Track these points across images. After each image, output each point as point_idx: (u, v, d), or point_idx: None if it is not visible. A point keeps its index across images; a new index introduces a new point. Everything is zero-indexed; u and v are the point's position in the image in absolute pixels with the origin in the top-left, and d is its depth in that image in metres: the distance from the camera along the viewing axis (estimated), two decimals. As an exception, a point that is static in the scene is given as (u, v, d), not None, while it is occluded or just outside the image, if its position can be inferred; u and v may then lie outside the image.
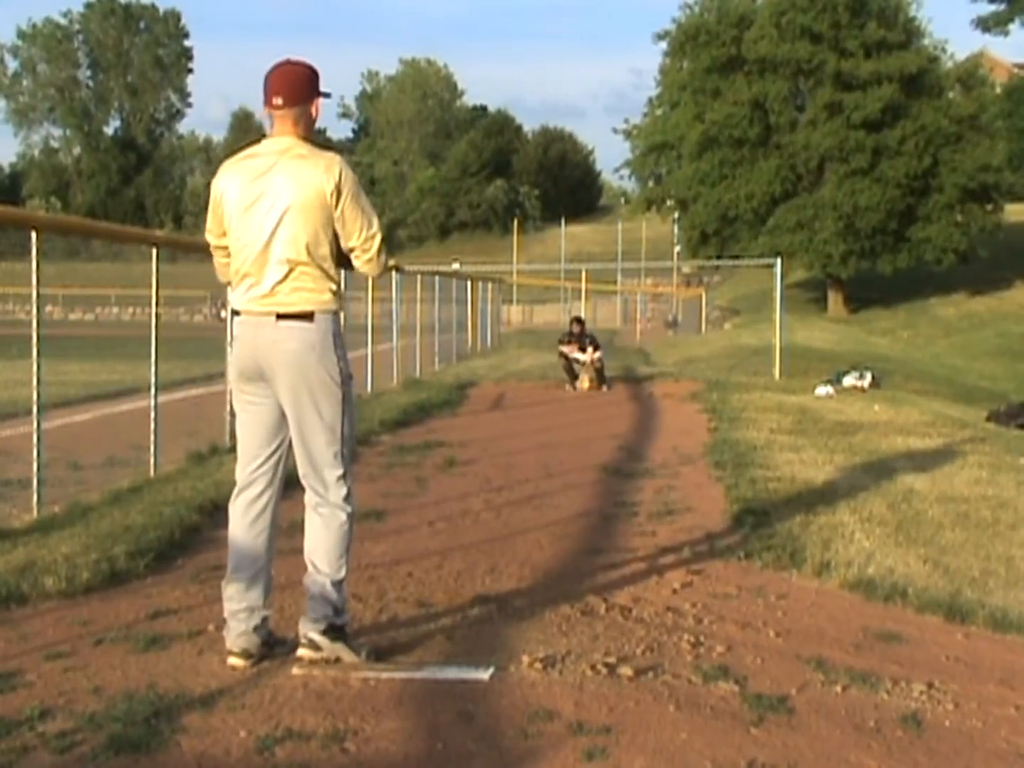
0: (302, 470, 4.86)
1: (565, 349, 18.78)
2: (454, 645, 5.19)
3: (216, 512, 7.99)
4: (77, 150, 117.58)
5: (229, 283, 4.95)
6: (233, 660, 4.82)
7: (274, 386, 4.78)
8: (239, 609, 4.86)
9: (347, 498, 4.85)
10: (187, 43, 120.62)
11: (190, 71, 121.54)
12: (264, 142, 4.85)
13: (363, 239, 4.76)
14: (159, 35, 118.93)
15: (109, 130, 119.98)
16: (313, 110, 4.81)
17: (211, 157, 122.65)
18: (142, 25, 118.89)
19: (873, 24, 53.30)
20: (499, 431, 13.54)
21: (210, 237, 5.04)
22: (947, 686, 4.69)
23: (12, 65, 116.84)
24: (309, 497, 4.88)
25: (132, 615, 5.64)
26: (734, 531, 7.56)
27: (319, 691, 4.55)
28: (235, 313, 4.86)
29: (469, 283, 29.76)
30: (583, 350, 18.61)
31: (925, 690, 4.63)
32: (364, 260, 4.81)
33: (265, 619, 4.92)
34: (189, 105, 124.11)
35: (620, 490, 9.31)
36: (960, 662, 5.04)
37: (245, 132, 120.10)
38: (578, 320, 19.86)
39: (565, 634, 5.33)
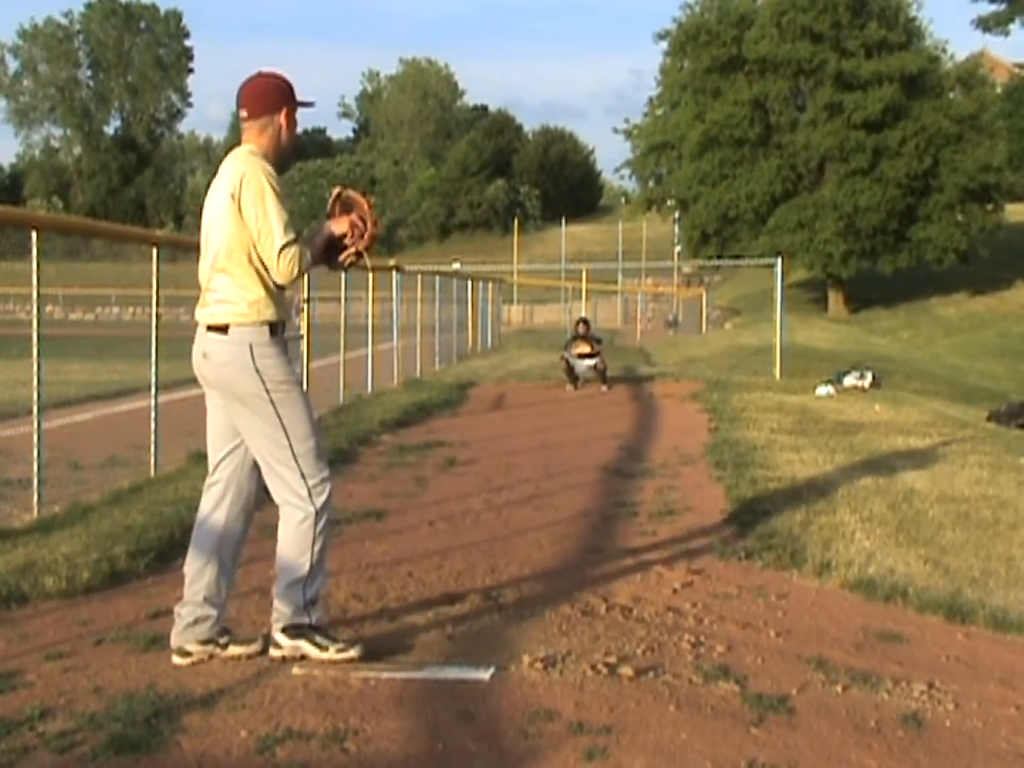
0: (263, 471, 4.92)
1: (569, 355, 18.80)
2: (454, 645, 5.19)
3: (216, 512, 8.00)
4: (78, 150, 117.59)
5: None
6: (175, 658, 4.88)
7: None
8: (187, 600, 4.93)
9: (308, 497, 4.85)
10: (188, 43, 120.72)
11: (191, 71, 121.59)
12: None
13: (262, 245, 4.71)
14: (160, 35, 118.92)
15: (110, 130, 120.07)
16: (281, 121, 4.83)
17: (211, 157, 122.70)
18: (143, 25, 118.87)
19: (874, 24, 53.34)
20: (499, 431, 13.53)
21: None
22: (947, 686, 4.69)
23: (13, 65, 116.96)
24: (275, 499, 4.94)
25: (132, 615, 5.64)
26: (734, 531, 7.56)
27: (319, 691, 4.55)
28: None
29: (469, 283, 29.75)
30: (592, 352, 18.65)
31: (925, 690, 4.63)
32: (270, 267, 4.75)
33: (208, 617, 4.93)
34: (190, 105, 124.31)
35: (620, 490, 9.31)
36: (960, 662, 5.04)
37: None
38: (584, 321, 19.91)
39: (565, 634, 5.33)
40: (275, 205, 4.68)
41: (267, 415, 4.79)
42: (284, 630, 4.91)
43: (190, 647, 4.89)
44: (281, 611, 4.92)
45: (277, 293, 4.81)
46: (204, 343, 4.83)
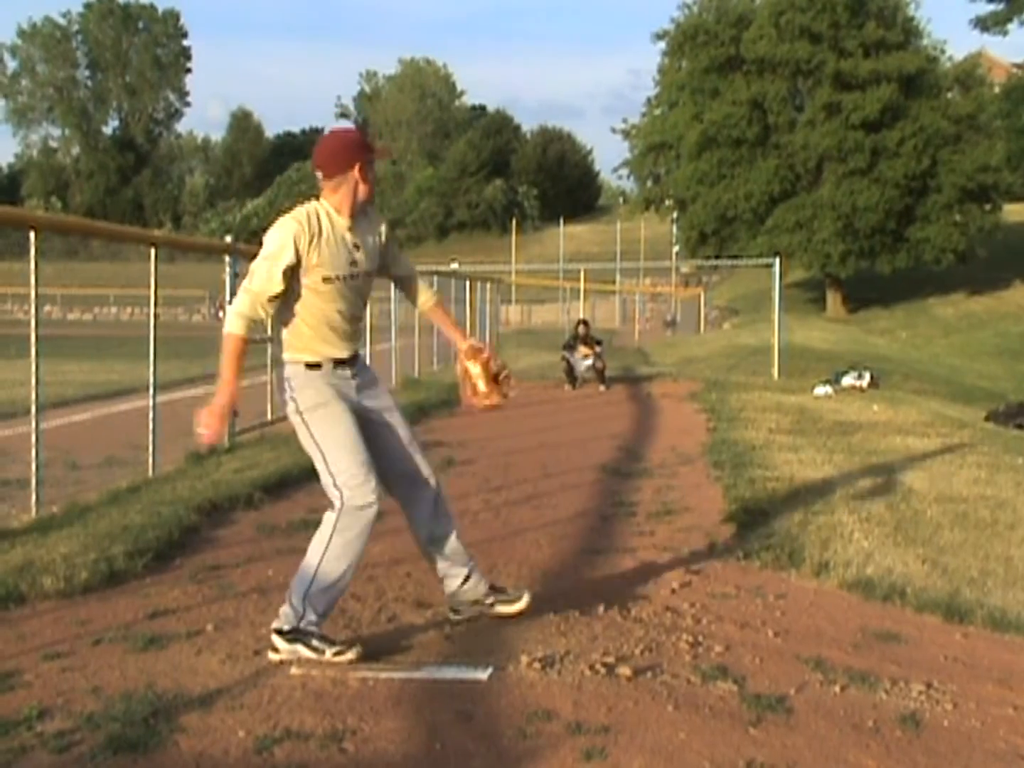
0: None
1: (569, 355, 18.85)
2: (452, 645, 5.19)
3: (215, 512, 8.01)
4: (76, 150, 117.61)
5: None
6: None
7: None
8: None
9: (333, 506, 4.98)
10: (186, 43, 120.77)
11: (189, 71, 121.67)
12: None
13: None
14: (158, 35, 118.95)
15: (108, 130, 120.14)
16: (356, 176, 4.97)
17: (209, 157, 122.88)
18: (141, 25, 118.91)
19: (872, 24, 53.35)
20: (497, 431, 13.52)
21: None
22: (946, 686, 4.69)
23: (11, 65, 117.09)
24: None
25: (130, 615, 5.64)
26: (733, 531, 7.56)
27: (317, 691, 4.55)
28: None
29: (467, 283, 29.67)
30: (593, 352, 18.71)
31: (924, 690, 4.63)
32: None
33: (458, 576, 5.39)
34: (188, 105, 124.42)
35: (619, 490, 9.31)
36: (958, 662, 5.04)
37: (243, 132, 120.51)
38: (584, 322, 19.96)
39: (563, 634, 5.33)
40: (266, 260, 4.90)
41: (301, 432, 5.08)
42: (280, 632, 4.93)
43: (459, 608, 5.43)
44: (283, 611, 4.95)
45: (326, 332, 5.03)
46: None
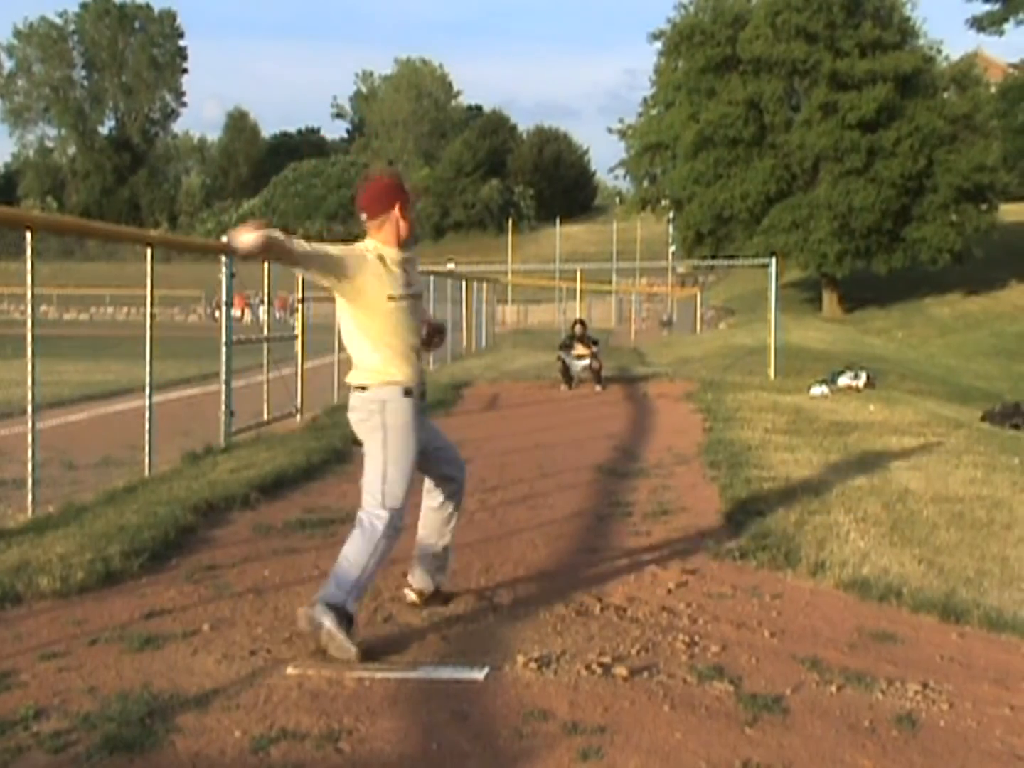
0: None
1: (566, 355, 18.88)
2: (449, 645, 5.19)
3: (211, 512, 8.00)
4: (72, 150, 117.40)
5: None
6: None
7: None
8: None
9: (367, 510, 5.44)
10: (182, 43, 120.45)
11: (185, 71, 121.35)
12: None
13: None
14: (154, 35, 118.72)
15: (104, 130, 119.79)
16: (396, 215, 5.51)
17: (205, 157, 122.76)
18: (137, 25, 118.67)
19: (868, 24, 53.31)
20: (494, 431, 13.53)
21: None
22: (942, 686, 4.70)
23: (7, 65, 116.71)
24: None
25: (127, 615, 5.64)
26: (729, 531, 7.56)
27: (313, 691, 4.55)
28: None
29: (464, 283, 29.75)
30: (589, 352, 18.75)
31: (920, 690, 4.63)
32: None
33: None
34: (184, 105, 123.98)
35: (615, 490, 9.31)
36: (955, 662, 5.04)
37: (239, 132, 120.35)
38: (580, 322, 19.97)
39: (560, 634, 5.33)
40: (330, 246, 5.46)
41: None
42: (327, 604, 5.13)
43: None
44: (329, 592, 5.20)
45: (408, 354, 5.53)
46: None
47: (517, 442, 12.38)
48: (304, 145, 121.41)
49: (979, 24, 77.57)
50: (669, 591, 6.14)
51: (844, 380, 19.81)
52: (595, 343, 19.18)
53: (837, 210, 52.25)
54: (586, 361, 18.74)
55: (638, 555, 6.95)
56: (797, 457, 10.62)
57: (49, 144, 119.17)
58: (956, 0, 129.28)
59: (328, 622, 5.04)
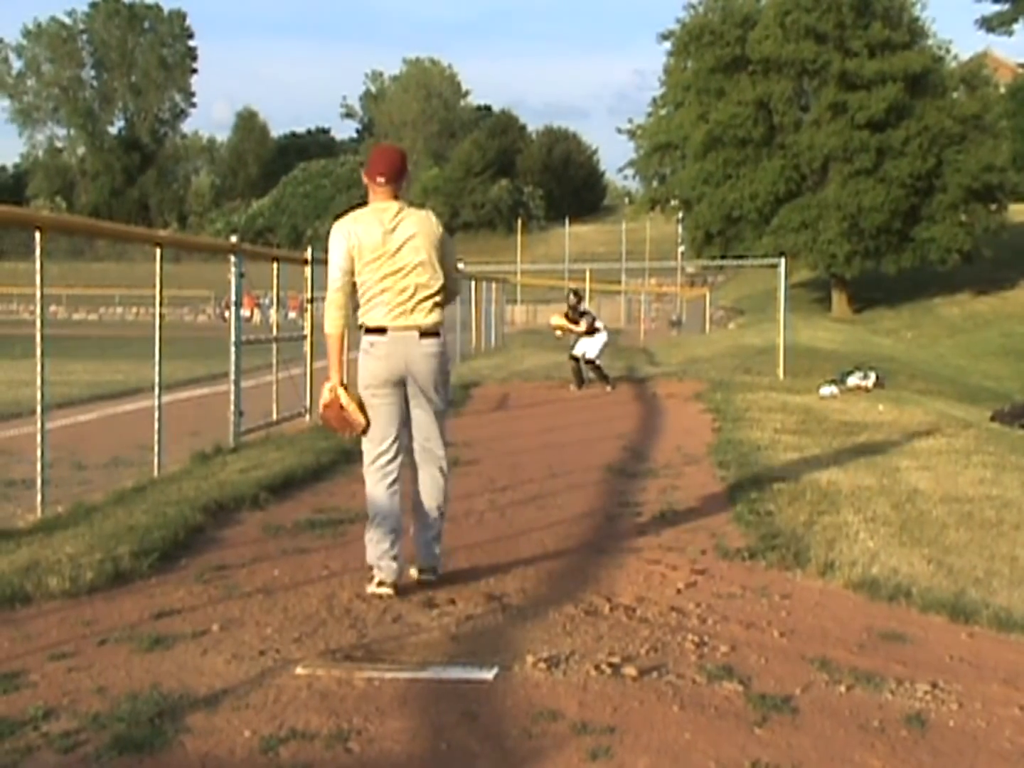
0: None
1: (562, 322, 18.90)
2: (458, 645, 5.19)
3: (220, 512, 8.01)
4: (81, 150, 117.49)
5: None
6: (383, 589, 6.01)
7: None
8: (383, 551, 6.03)
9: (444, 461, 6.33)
10: (191, 43, 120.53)
11: (194, 71, 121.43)
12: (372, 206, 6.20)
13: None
14: (163, 35, 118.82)
15: (113, 130, 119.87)
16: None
17: (215, 157, 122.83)
18: (146, 25, 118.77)
19: (877, 24, 53.24)
20: (503, 431, 13.53)
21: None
22: (951, 686, 4.69)
23: (17, 65, 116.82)
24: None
25: (136, 615, 5.64)
26: (738, 531, 7.56)
27: (323, 691, 4.55)
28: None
29: (473, 283, 29.73)
30: (576, 323, 18.75)
31: (929, 690, 4.62)
32: None
33: (396, 557, 6.07)
34: (193, 105, 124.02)
35: (624, 490, 9.31)
36: (964, 662, 5.04)
37: (249, 132, 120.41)
38: (574, 292, 19.87)
39: (569, 634, 5.33)
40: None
41: None
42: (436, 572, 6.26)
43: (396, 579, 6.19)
44: (437, 559, 6.28)
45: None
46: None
47: (527, 442, 12.38)
48: (313, 145, 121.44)
49: (988, 24, 77.53)
50: (678, 591, 6.14)
51: (853, 380, 19.78)
52: (582, 315, 18.92)
53: (846, 210, 52.21)
54: (583, 350, 18.67)
55: (647, 555, 6.95)
56: (806, 457, 10.61)
57: (58, 144, 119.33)
58: (965, 0, 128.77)
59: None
